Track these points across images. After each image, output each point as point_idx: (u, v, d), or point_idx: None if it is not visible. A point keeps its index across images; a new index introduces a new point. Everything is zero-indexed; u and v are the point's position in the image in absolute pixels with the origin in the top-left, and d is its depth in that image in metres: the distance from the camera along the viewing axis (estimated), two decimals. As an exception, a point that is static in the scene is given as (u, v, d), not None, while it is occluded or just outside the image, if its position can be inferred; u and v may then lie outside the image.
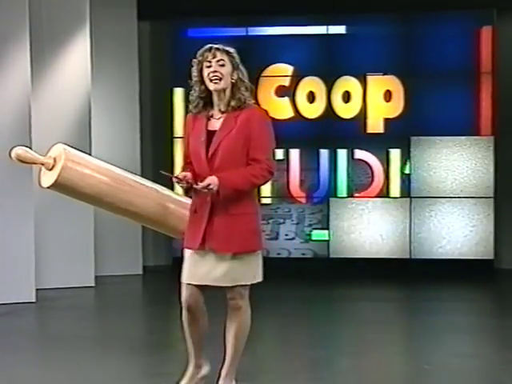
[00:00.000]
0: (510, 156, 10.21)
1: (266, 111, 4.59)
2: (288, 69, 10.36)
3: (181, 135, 9.92)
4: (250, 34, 10.39)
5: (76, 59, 9.12)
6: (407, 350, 6.33)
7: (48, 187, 4.52)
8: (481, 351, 6.19)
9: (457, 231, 10.17)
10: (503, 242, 10.31)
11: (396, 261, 10.23)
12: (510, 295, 8.94)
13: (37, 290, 8.13)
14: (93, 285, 9.05)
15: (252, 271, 4.55)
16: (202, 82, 4.50)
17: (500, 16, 10.17)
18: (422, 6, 10.11)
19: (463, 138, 10.15)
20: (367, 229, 10.29)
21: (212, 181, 4.37)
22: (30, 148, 4.68)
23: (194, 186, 4.41)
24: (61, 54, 9.06)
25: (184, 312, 4.59)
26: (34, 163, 4.54)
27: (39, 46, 8.63)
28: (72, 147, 4.61)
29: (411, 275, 9.88)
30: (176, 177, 4.49)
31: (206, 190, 4.39)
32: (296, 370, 5.62)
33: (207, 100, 4.54)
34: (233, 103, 4.49)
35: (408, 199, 10.25)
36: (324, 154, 10.33)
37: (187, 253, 4.55)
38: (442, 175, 10.21)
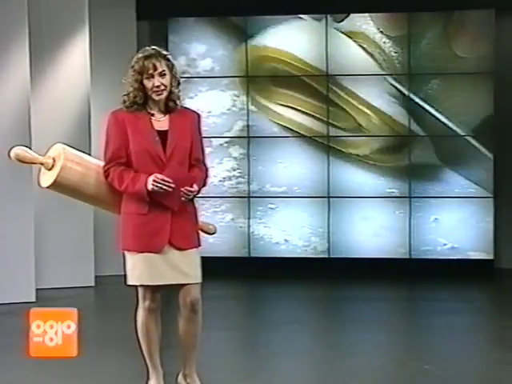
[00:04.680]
0: (509, 156, 10.21)
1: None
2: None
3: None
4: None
5: (75, 59, 9.12)
6: (407, 350, 6.33)
7: (47, 187, 4.52)
8: (481, 351, 6.19)
9: (457, 231, 10.17)
10: (503, 242, 10.30)
11: (396, 261, 10.23)
12: (510, 295, 8.93)
13: (37, 289, 8.13)
14: (93, 285, 9.05)
15: (200, 268, 4.63)
16: (141, 89, 4.50)
17: (500, 16, 10.17)
18: (422, 7, 10.13)
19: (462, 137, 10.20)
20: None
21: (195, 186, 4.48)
22: (30, 148, 4.68)
23: (191, 188, 4.43)
24: (60, 54, 9.06)
25: (145, 314, 4.61)
26: (34, 163, 4.55)
27: (39, 46, 8.62)
28: (72, 147, 4.61)
29: (411, 275, 9.88)
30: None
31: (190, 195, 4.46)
32: (296, 369, 5.61)
33: (142, 103, 4.54)
34: (171, 104, 4.56)
35: (408, 199, 10.26)
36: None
37: (141, 255, 4.49)
38: (443, 175, 10.23)
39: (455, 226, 10.17)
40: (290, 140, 10.40)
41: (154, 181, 4.38)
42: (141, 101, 4.52)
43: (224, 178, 10.48)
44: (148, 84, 4.49)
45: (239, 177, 10.55)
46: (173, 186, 4.40)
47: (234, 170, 10.54)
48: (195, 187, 4.47)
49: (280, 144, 10.42)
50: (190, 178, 4.49)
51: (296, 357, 6.00)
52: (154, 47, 4.58)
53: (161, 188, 4.38)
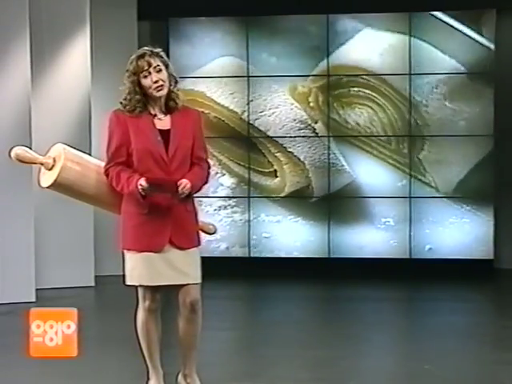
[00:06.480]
0: (509, 156, 10.21)
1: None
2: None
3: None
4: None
5: (76, 59, 9.12)
6: (407, 350, 6.33)
7: (47, 187, 4.52)
8: (481, 351, 6.19)
9: (457, 231, 10.17)
10: (503, 242, 10.30)
11: (396, 261, 10.24)
12: (510, 295, 8.94)
13: (37, 289, 8.13)
14: (93, 285, 9.05)
15: (200, 268, 4.63)
16: (140, 92, 4.48)
17: (500, 16, 10.17)
18: (423, 7, 10.13)
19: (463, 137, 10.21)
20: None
21: (187, 184, 4.42)
22: (30, 148, 4.69)
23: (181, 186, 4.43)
24: (61, 54, 9.07)
25: (145, 315, 4.61)
26: (34, 163, 4.55)
27: (39, 46, 8.63)
28: (72, 147, 4.61)
29: (411, 275, 9.88)
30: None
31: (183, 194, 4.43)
32: (296, 369, 5.61)
33: (144, 104, 4.52)
34: (171, 103, 4.55)
35: (408, 199, 10.26)
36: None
37: (141, 255, 4.49)
38: (443, 175, 10.23)
39: (455, 225, 10.16)
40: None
41: (141, 186, 4.37)
42: (140, 103, 4.49)
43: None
44: (146, 82, 4.48)
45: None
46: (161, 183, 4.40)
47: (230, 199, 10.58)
48: (184, 183, 4.40)
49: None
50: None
51: (296, 357, 6.00)
52: (146, 47, 4.57)
53: (149, 191, 4.38)
